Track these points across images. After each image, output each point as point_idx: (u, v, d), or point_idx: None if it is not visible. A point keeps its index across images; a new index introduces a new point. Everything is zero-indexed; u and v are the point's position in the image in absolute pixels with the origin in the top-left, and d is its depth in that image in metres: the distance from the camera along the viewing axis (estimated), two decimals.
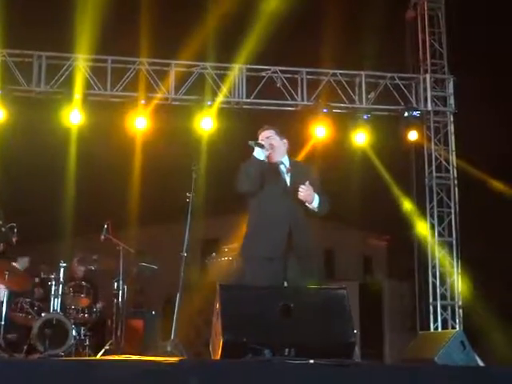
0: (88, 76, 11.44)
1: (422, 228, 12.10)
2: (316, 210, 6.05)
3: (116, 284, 9.07)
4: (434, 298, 11.90)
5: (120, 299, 9.02)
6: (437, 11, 12.65)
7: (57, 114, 11.23)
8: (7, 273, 8.42)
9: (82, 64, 11.38)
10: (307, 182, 5.93)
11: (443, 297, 11.90)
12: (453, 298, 11.89)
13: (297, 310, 5.05)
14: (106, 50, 11.70)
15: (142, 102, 11.45)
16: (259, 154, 6.01)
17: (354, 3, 13.30)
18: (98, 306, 9.38)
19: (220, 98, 11.69)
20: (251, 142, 6.07)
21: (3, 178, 11.01)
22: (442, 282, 11.94)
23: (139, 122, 11.50)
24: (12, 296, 8.69)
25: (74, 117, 11.22)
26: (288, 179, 6.16)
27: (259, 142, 6.11)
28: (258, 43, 11.48)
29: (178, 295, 7.59)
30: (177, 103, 11.87)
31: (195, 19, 11.69)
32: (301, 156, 10.58)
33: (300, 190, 5.92)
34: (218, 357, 4.84)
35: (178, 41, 11.65)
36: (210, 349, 5.27)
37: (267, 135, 6.23)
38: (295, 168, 6.24)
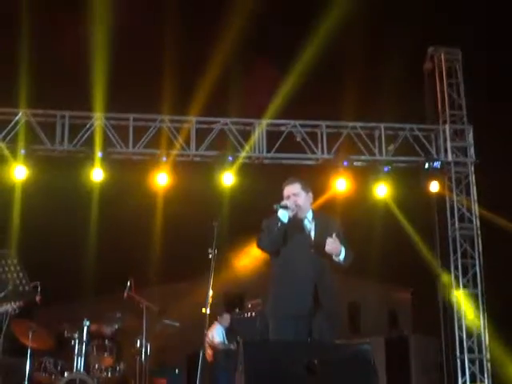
0: (110, 134, 11.54)
1: (447, 280, 11.96)
2: (342, 263, 5.88)
3: (139, 342, 8.99)
4: (461, 352, 11.67)
5: (143, 357, 8.93)
6: (454, 62, 12.69)
7: (79, 172, 11.33)
8: (31, 332, 8.43)
9: (103, 122, 11.50)
10: (334, 234, 5.78)
11: (470, 350, 11.67)
12: (480, 351, 11.67)
13: (321, 365, 4.97)
14: (127, 107, 11.83)
15: (164, 158, 11.50)
16: (284, 216, 5.86)
17: (372, 56, 13.46)
18: (122, 365, 9.28)
19: (241, 154, 11.72)
20: (276, 206, 5.89)
21: (26, 236, 11.07)
22: (469, 335, 11.72)
23: (161, 179, 11.54)
24: (35, 355, 8.66)
25: (96, 175, 11.30)
26: (312, 233, 6.03)
27: (284, 203, 5.93)
28: (276, 98, 11.58)
29: (201, 352, 7.49)
30: (198, 159, 11.93)
31: (216, 76, 11.81)
32: (320, 206, 10.53)
33: (327, 242, 5.77)
34: None
35: (198, 97, 11.76)
36: None
37: (293, 191, 6.04)
38: (319, 220, 6.09)
